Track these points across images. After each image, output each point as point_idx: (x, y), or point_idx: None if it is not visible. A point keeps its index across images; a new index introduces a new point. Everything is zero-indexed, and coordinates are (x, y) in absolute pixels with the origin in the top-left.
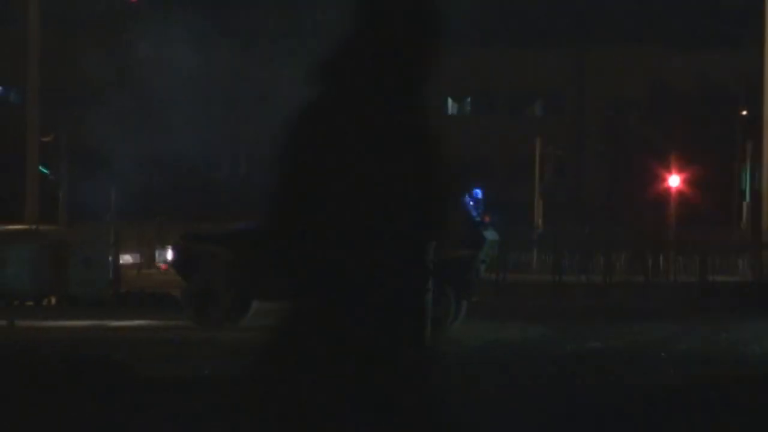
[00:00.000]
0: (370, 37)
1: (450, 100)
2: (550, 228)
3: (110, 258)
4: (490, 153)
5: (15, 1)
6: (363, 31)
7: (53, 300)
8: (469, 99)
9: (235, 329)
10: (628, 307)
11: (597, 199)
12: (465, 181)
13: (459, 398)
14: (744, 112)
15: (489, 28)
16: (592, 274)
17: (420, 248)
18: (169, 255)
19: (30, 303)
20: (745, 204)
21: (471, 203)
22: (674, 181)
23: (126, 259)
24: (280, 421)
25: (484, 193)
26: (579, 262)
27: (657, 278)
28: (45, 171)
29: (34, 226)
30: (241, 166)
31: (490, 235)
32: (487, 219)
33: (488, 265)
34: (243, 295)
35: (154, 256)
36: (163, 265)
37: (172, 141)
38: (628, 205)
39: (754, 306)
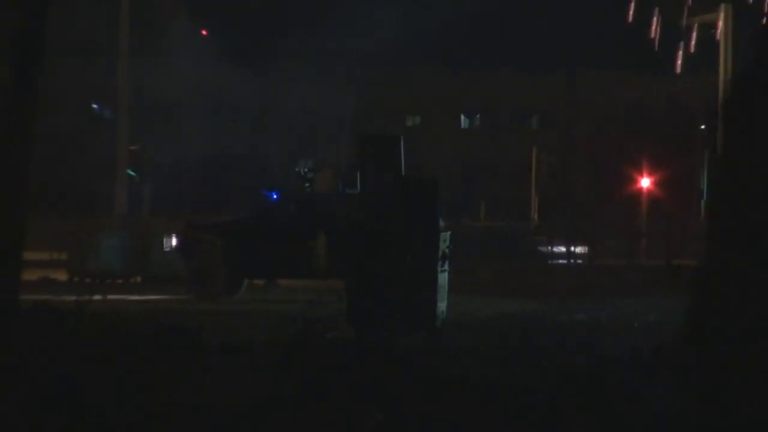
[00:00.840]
0: None
1: (462, 116)
2: (543, 220)
3: None
4: (495, 159)
5: (108, 33)
6: None
7: (138, 279)
8: (478, 115)
9: (232, 302)
10: (609, 285)
11: (582, 197)
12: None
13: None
14: (702, 126)
15: (494, 55)
16: (578, 258)
17: None
18: (173, 242)
19: (119, 281)
20: (703, 201)
21: None
22: (645, 182)
23: None
24: None
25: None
26: (567, 248)
27: (634, 261)
28: (132, 173)
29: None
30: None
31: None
32: None
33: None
34: (235, 275)
35: None
36: None
37: (234, 149)
38: (608, 202)
39: None
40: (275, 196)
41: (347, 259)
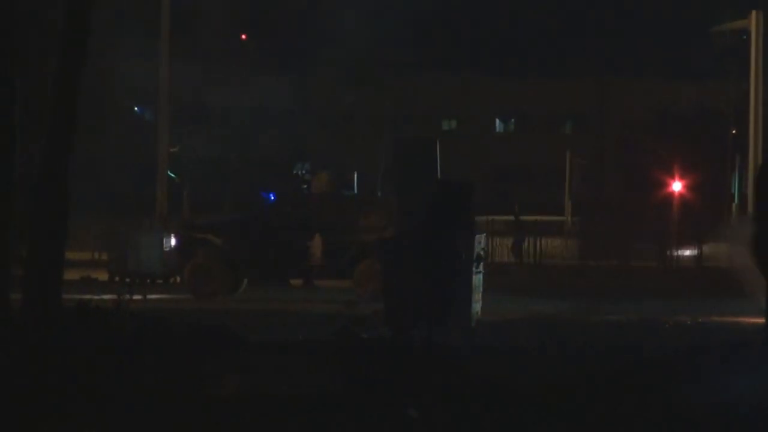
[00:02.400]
0: None
1: (498, 121)
2: (576, 223)
3: None
4: (529, 163)
5: (149, 39)
6: None
7: (178, 279)
8: (513, 119)
9: (230, 301)
10: (640, 286)
11: (614, 201)
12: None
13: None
14: (733, 131)
15: (530, 62)
16: (610, 260)
17: None
18: (173, 241)
19: (160, 281)
20: (734, 205)
21: None
22: (677, 186)
23: None
24: None
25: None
26: (600, 250)
27: (666, 264)
28: (172, 175)
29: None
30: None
31: None
32: None
33: None
34: (233, 274)
35: None
36: None
37: (270, 152)
38: (640, 205)
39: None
40: (272, 197)
41: (384, 260)
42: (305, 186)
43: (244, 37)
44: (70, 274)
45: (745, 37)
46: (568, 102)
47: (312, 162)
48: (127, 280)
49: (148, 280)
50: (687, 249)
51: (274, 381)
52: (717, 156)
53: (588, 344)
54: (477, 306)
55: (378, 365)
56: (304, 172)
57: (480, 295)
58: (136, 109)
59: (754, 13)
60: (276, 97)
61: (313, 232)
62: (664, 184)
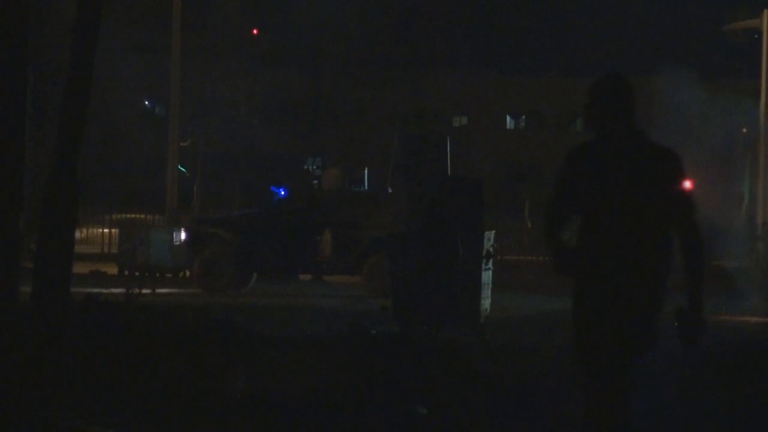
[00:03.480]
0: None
1: (508, 118)
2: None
3: None
4: (540, 160)
5: (161, 33)
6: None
7: (187, 273)
8: (523, 117)
9: (239, 296)
10: None
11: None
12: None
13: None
14: (744, 130)
15: (540, 61)
16: None
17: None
18: (183, 235)
19: (169, 275)
20: (744, 203)
21: None
22: (686, 184)
23: None
24: None
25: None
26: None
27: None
28: (183, 169)
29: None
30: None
31: None
32: None
33: None
34: (243, 268)
35: None
36: None
37: (276, 146)
38: None
39: (750, 286)
40: (282, 192)
41: (393, 257)
42: (316, 181)
43: (255, 31)
44: (80, 268)
45: (757, 35)
46: (578, 100)
47: (323, 158)
48: (137, 273)
49: (158, 274)
50: None
51: (282, 376)
52: (727, 155)
53: None
54: (486, 303)
55: (386, 361)
56: (315, 167)
57: (489, 291)
58: (146, 103)
59: (765, 12)
60: (287, 92)
61: (322, 228)
62: None
